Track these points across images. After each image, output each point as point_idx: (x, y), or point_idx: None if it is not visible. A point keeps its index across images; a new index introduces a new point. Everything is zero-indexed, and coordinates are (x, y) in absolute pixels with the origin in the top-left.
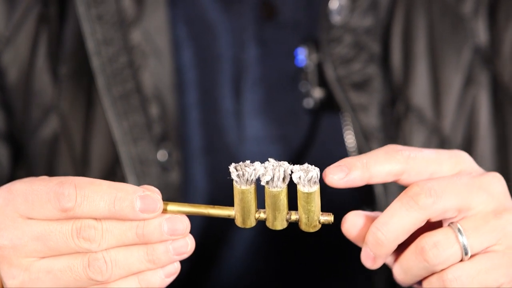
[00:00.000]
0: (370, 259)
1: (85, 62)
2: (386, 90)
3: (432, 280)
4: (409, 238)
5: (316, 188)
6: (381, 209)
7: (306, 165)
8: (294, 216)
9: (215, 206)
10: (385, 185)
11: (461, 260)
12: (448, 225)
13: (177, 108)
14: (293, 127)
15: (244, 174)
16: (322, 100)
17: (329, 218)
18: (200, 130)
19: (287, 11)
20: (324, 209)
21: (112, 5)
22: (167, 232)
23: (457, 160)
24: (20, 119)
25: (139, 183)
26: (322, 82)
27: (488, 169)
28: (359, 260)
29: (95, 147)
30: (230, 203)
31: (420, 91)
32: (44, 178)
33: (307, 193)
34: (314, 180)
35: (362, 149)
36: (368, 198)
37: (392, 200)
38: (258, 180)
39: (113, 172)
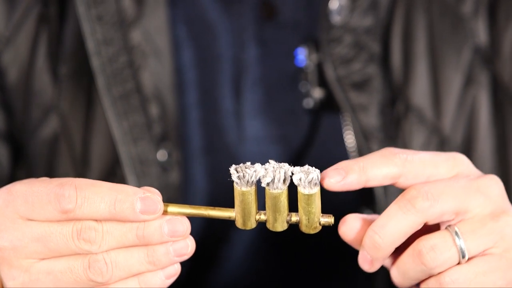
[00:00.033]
0: (368, 262)
1: (85, 62)
2: (386, 90)
3: (430, 283)
4: (407, 241)
5: (316, 189)
6: (381, 209)
7: (306, 166)
8: (294, 218)
9: (216, 208)
10: (385, 186)
11: (459, 263)
12: (446, 228)
13: (177, 108)
14: (293, 127)
15: (244, 175)
16: (322, 100)
17: (329, 219)
18: (200, 130)
19: (287, 11)
20: (324, 209)
21: (112, 5)
22: (167, 234)
23: (454, 163)
24: (20, 119)
25: (139, 183)
26: (322, 82)
27: (488, 169)
28: None
29: (95, 147)
30: (230, 203)
31: (420, 91)
32: (45, 179)
33: (307, 194)
34: (315, 182)
35: (362, 149)
36: (368, 198)
37: (392, 201)
38: (258, 182)
39: (113, 172)
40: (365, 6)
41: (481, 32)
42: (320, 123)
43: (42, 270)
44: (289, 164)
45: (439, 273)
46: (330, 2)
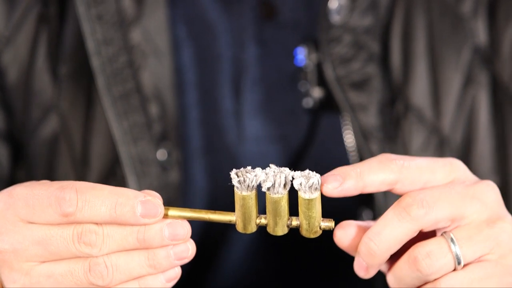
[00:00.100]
0: (363, 269)
1: (85, 62)
2: (386, 90)
3: None
4: (403, 246)
5: (317, 194)
6: (380, 210)
7: (307, 171)
8: (295, 222)
9: (216, 212)
10: None
11: (454, 270)
12: (441, 234)
13: (177, 108)
14: (293, 127)
15: (245, 180)
16: (322, 99)
17: (330, 224)
18: (199, 130)
19: (286, 11)
20: (324, 209)
21: (112, 5)
22: (168, 237)
23: (451, 168)
24: (20, 119)
25: (139, 183)
26: (322, 81)
27: (487, 168)
28: None
29: (95, 147)
30: (230, 202)
31: (419, 91)
32: (45, 182)
33: (308, 199)
34: (315, 187)
35: (361, 149)
36: (368, 199)
37: (391, 202)
38: (259, 186)
39: (113, 172)
40: (365, 6)
41: (480, 32)
42: (320, 122)
43: (43, 273)
44: (290, 169)
45: (435, 279)
46: (329, 1)
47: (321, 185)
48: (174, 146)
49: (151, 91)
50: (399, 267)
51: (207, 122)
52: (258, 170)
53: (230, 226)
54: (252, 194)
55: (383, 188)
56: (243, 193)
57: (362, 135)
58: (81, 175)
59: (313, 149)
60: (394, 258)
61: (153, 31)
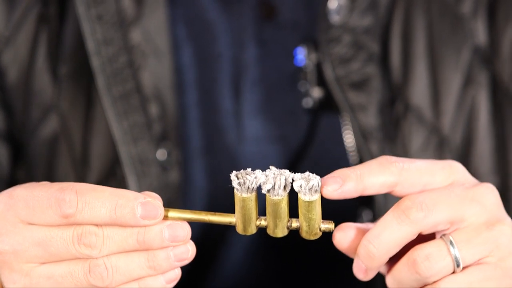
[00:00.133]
0: (362, 271)
1: (85, 62)
2: (385, 90)
3: None
4: (403, 248)
5: (317, 196)
6: (380, 210)
7: (307, 173)
8: (295, 224)
9: (216, 213)
10: None
11: (453, 272)
12: (440, 237)
13: (176, 108)
14: (292, 127)
15: (245, 182)
16: (321, 99)
17: (330, 226)
18: (199, 130)
19: (286, 11)
20: (324, 208)
21: (112, 5)
22: (168, 239)
23: (451, 171)
24: (20, 119)
25: (139, 183)
26: (321, 82)
27: (487, 169)
28: None
29: (95, 147)
30: (229, 202)
31: (419, 91)
32: (45, 183)
33: (308, 201)
34: (315, 189)
35: (361, 149)
36: (367, 200)
37: (391, 202)
38: (259, 188)
39: (113, 172)
40: (364, 6)
41: (480, 32)
42: (319, 123)
43: (43, 274)
44: (290, 171)
45: (434, 282)
46: (329, 2)
47: (321, 187)
48: (174, 146)
49: (151, 91)
50: (398, 269)
51: (207, 122)
52: (258, 172)
53: (230, 227)
54: (252, 196)
55: (383, 190)
56: (243, 195)
57: (362, 135)
58: (81, 175)
59: (313, 149)
60: (393, 260)
61: (153, 31)
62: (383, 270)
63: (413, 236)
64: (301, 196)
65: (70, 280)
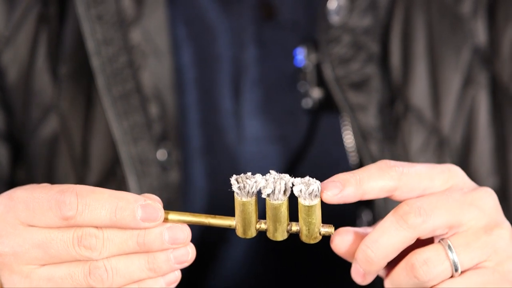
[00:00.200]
0: (360, 276)
1: (85, 62)
2: (385, 90)
3: None
4: (402, 252)
5: (317, 201)
6: (380, 211)
7: (307, 178)
8: (295, 228)
9: (216, 216)
10: None
11: (452, 277)
12: (439, 241)
13: (176, 108)
14: (292, 127)
15: (245, 186)
16: (321, 100)
17: (329, 229)
18: (199, 130)
19: (286, 12)
20: (323, 210)
21: (112, 5)
22: (168, 241)
23: (449, 175)
24: (20, 119)
25: (139, 183)
26: (321, 82)
27: (487, 169)
28: None
29: (95, 147)
30: (229, 203)
31: (419, 91)
32: (46, 185)
33: (308, 206)
34: (315, 194)
35: (360, 149)
36: (367, 200)
37: (391, 203)
38: (259, 192)
39: (113, 172)
40: (364, 6)
41: (480, 33)
42: (319, 123)
43: (43, 276)
44: (290, 171)
45: (432, 286)
46: (328, 2)
47: (321, 191)
48: (174, 146)
49: (151, 91)
50: (396, 274)
51: (207, 122)
52: (258, 176)
53: (230, 229)
54: (252, 200)
55: (382, 195)
56: (243, 199)
57: (362, 135)
58: (81, 175)
59: (313, 150)
60: (392, 263)
61: (153, 31)
62: (381, 273)
63: (411, 241)
64: (301, 201)
65: (70, 282)
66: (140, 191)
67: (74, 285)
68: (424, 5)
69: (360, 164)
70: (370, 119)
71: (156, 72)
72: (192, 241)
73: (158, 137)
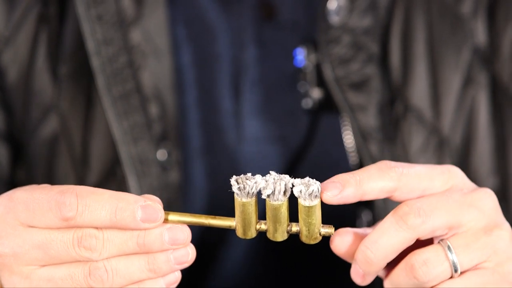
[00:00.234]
0: (360, 276)
1: (85, 62)
2: (385, 90)
3: None
4: (401, 253)
5: (317, 202)
6: (380, 211)
7: (307, 178)
8: (295, 228)
9: (216, 217)
10: None
11: (451, 277)
12: (438, 242)
13: (176, 108)
14: (292, 128)
15: (245, 187)
16: (321, 100)
17: (329, 230)
18: (199, 130)
19: (286, 12)
20: (323, 210)
21: (112, 5)
22: (168, 242)
23: (449, 176)
24: (20, 119)
25: (139, 183)
26: (321, 82)
27: (487, 169)
28: None
29: (95, 147)
30: (229, 203)
31: (419, 92)
32: (46, 186)
33: (308, 206)
34: (315, 194)
35: (360, 150)
36: (367, 200)
37: (390, 203)
38: (259, 193)
39: (113, 172)
40: (364, 7)
41: (480, 33)
42: (319, 123)
43: (43, 277)
44: (290, 172)
45: (432, 287)
46: (328, 2)
47: (321, 192)
48: (174, 146)
49: (151, 91)
50: (396, 274)
51: (207, 122)
52: (258, 177)
53: (230, 230)
54: (252, 200)
55: (382, 195)
56: (243, 200)
57: (362, 135)
58: (81, 175)
59: (313, 150)
60: (392, 264)
61: (153, 31)
62: (381, 274)
63: (410, 242)
64: (301, 201)
65: (70, 282)
66: (140, 191)
67: (74, 286)
68: (424, 5)
69: (360, 165)
70: (370, 119)
71: (156, 72)
72: (192, 241)
73: (158, 137)
